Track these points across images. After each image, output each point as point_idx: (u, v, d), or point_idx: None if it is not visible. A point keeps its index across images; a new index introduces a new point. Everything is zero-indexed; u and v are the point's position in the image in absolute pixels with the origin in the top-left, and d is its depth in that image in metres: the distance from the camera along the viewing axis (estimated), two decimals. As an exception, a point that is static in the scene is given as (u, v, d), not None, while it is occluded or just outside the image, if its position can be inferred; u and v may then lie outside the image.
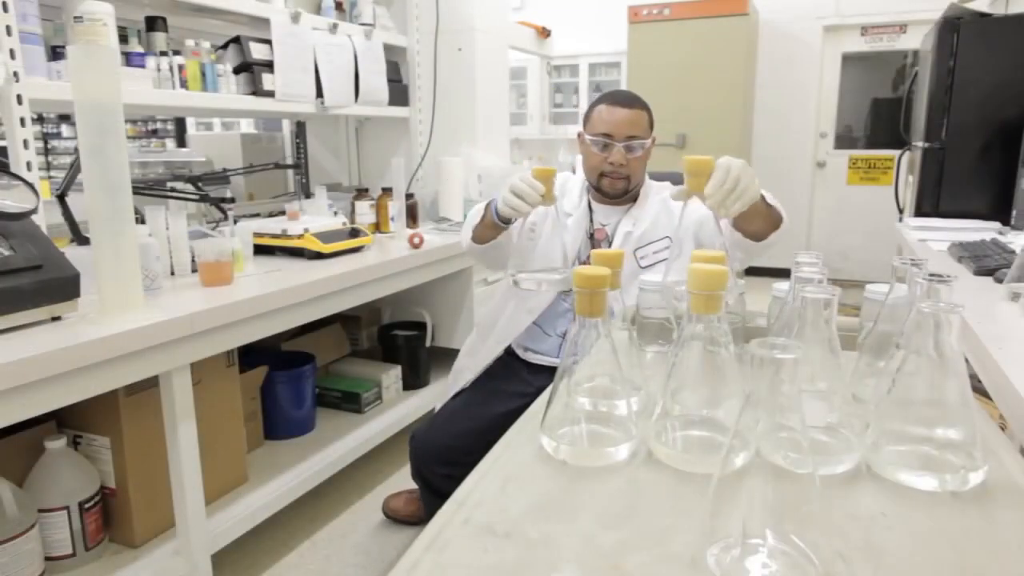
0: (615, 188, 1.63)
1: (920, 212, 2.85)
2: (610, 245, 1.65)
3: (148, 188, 2.03)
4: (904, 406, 0.69)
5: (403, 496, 2.13)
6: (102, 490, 1.57)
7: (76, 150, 1.37)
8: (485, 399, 1.70)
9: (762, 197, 1.33)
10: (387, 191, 2.46)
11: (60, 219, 1.68)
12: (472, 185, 2.88)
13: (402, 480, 2.34)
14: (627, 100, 1.62)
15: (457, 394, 1.79)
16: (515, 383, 1.71)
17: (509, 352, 1.78)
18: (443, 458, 1.65)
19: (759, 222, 1.39)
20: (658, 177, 1.81)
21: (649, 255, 1.62)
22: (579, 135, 1.67)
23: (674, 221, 1.61)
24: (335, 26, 2.44)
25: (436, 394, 2.65)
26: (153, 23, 1.95)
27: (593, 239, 1.68)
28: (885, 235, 5.03)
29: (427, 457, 1.69)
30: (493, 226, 1.55)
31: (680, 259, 1.51)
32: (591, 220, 1.70)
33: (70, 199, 1.69)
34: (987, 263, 1.60)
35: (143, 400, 1.56)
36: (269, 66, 2.18)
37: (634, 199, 1.70)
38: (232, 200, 1.99)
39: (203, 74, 2.01)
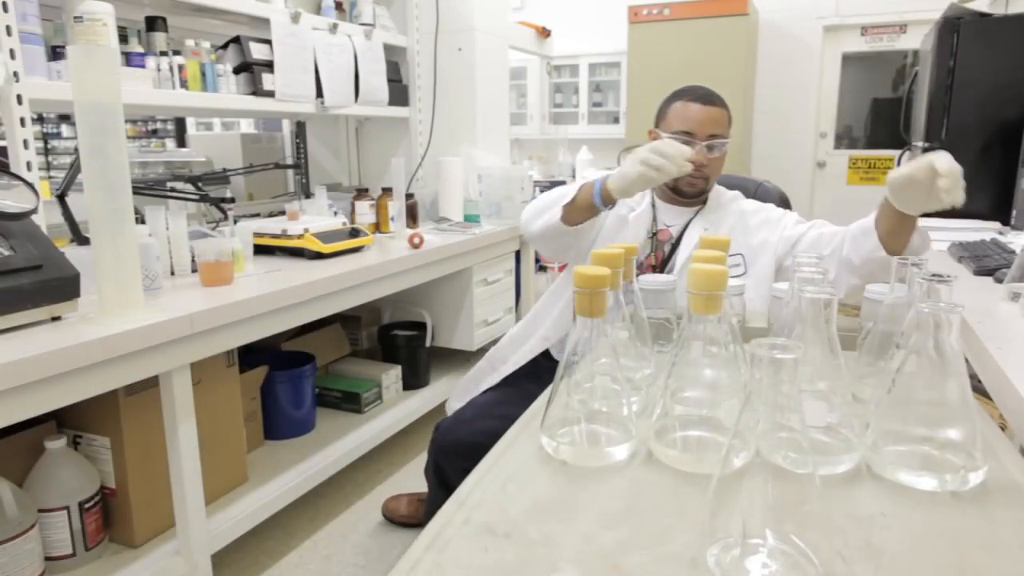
0: (694, 187, 1.56)
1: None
2: (675, 247, 1.59)
3: (148, 188, 2.04)
4: (904, 406, 0.69)
5: (403, 498, 2.12)
6: (102, 490, 1.57)
7: (76, 150, 1.37)
8: (514, 399, 1.61)
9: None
10: (387, 191, 2.46)
11: (60, 219, 1.68)
12: (472, 185, 2.88)
13: (402, 480, 2.35)
14: (707, 97, 1.54)
15: (487, 389, 1.72)
16: (546, 385, 1.66)
17: (544, 353, 1.70)
18: (465, 453, 1.56)
19: (904, 232, 1.36)
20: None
21: None
22: (650, 132, 1.59)
23: (749, 239, 1.55)
24: (335, 26, 2.44)
25: (436, 394, 2.66)
26: (153, 23, 1.95)
27: (656, 239, 1.61)
28: (885, 235, 5.03)
29: (449, 449, 1.63)
30: (589, 208, 1.44)
31: (748, 277, 1.49)
32: (654, 219, 1.62)
33: (70, 199, 1.69)
34: (987, 263, 1.59)
35: (143, 400, 1.56)
36: (269, 66, 2.18)
37: (704, 201, 1.62)
38: (232, 200, 1.99)
39: (203, 74, 2.01)
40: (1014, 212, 2.39)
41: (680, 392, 0.72)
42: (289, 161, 2.93)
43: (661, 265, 1.60)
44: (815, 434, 0.70)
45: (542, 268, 3.59)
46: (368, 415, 2.40)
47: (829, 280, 1.40)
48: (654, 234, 1.62)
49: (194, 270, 1.74)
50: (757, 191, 1.80)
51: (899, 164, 3.49)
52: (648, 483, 0.68)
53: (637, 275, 1.47)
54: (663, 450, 0.72)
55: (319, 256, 1.98)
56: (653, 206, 1.64)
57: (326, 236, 2.01)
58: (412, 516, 2.08)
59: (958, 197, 1.14)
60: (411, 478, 2.36)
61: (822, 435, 0.71)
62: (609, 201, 1.41)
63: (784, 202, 1.82)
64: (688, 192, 1.58)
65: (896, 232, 1.36)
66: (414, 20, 2.88)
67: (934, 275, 0.76)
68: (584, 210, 1.46)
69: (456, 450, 1.60)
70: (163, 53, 1.91)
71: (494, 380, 1.72)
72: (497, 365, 1.75)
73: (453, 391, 1.86)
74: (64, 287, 1.32)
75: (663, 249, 1.60)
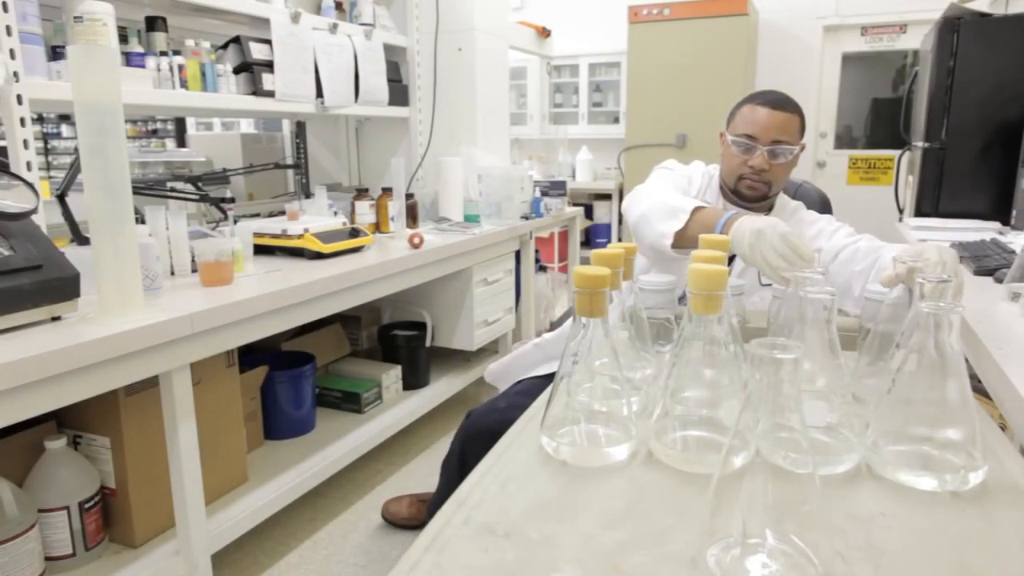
0: (755, 191, 1.53)
1: (920, 212, 2.85)
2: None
3: (148, 188, 2.04)
4: (904, 406, 0.69)
5: (404, 499, 2.12)
6: (102, 490, 1.57)
7: (76, 150, 1.37)
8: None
9: None
10: (387, 191, 2.46)
11: (60, 219, 1.68)
12: (472, 185, 2.88)
13: (402, 480, 2.35)
14: (776, 101, 1.51)
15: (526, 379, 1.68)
16: None
17: None
18: (491, 442, 1.57)
19: None
20: None
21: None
22: (721, 135, 1.59)
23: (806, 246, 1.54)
24: (335, 26, 2.44)
25: (436, 394, 2.66)
26: (153, 23, 1.95)
27: None
28: (885, 235, 5.02)
29: (477, 436, 1.61)
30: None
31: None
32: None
33: (70, 199, 1.69)
34: (987, 263, 1.59)
35: (143, 400, 1.56)
36: (269, 66, 2.18)
37: (770, 208, 1.61)
38: (232, 200, 1.99)
39: (203, 74, 2.01)
40: (1014, 212, 2.39)
41: (680, 392, 0.72)
42: (289, 161, 2.92)
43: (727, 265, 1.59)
44: (815, 434, 0.70)
45: (542, 268, 3.59)
46: (368, 415, 2.40)
47: (854, 295, 1.39)
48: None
49: (194, 270, 1.74)
50: (797, 192, 1.81)
51: (899, 164, 3.50)
52: (648, 483, 0.68)
53: None
54: (663, 450, 0.72)
55: (319, 256, 1.98)
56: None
57: (326, 236, 2.01)
58: (413, 518, 2.08)
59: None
60: (411, 478, 2.36)
61: (822, 435, 0.71)
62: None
63: (824, 203, 1.81)
64: (748, 195, 1.55)
65: None
66: (414, 20, 2.88)
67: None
68: (693, 240, 1.29)
69: (485, 437, 1.56)
70: (163, 53, 1.91)
71: (541, 371, 1.67)
72: (550, 355, 1.69)
73: (492, 364, 1.83)
74: (64, 287, 1.32)
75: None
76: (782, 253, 1.12)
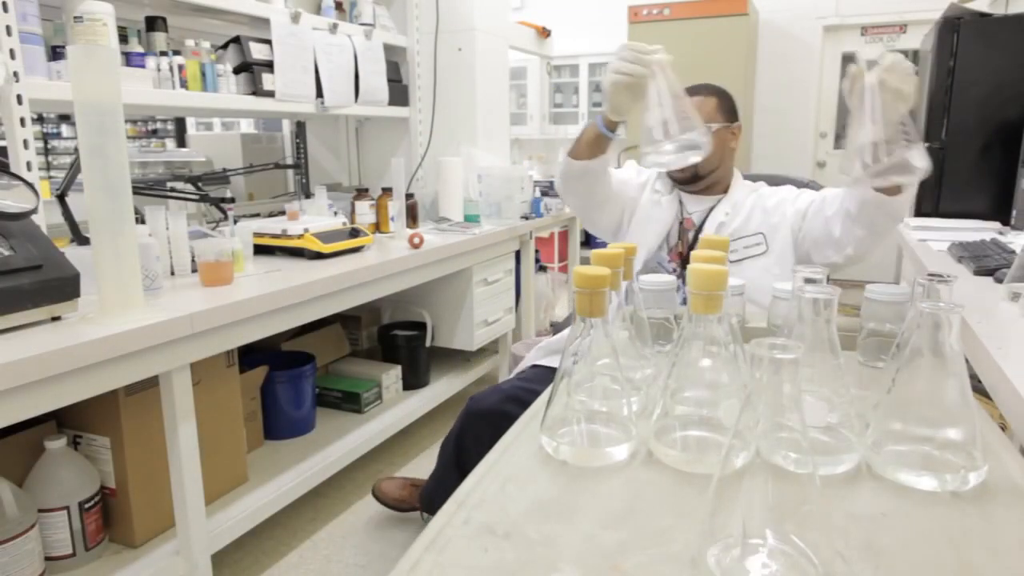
0: (682, 173, 1.63)
1: (920, 212, 2.85)
2: (697, 234, 1.64)
3: (148, 188, 2.04)
4: (904, 406, 0.69)
5: (397, 481, 2.13)
6: (102, 490, 1.57)
7: (76, 150, 1.37)
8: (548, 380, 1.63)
9: None
10: (387, 191, 2.46)
11: (60, 219, 1.68)
12: (472, 185, 2.89)
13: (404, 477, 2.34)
14: (694, 88, 1.60)
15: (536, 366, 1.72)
16: None
17: None
18: (492, 421, 1.59)
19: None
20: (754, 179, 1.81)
21: (740, 249, 1.60)
22: None
23: (768, 219, 1.61)
24: (335, 26, 2.44)
25: (436, 394, 2.66)
26: (153, 23, 1.95)
27: (682, 227, 1.68)
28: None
29: (476, 416, 1.65)
30: (596, 138, 1.50)
31: (769, 255, 1.56)
32: (680, 210, 1.69)
33: (70, 199, 1.69)
34: (987, 263, 1.59)
35: (143, 400, 1.56)
36: (269, 66, 2.18)
37: (725, 189, 1.68)
38: (232, 200, 1.99)
39: (203, 74, 2.01)
40: (1014, 212, 2.39)
41: (680, 392, 0.72)
42: (289, 161, 2.93)
43: (687, 252, 1.66)
44: (815, 434, 0.70)
45: (542, 268, 3.59)
46: (368, 415, 2.40)
47: (835, 237, 1.47)
48: (681, 223, 1.68)
49: (194, 270, 1.74)
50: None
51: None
52: (648, 483, 0.68)
53: (669, 261, 1.42)
54: (663, 450, 0.72)
55: (319, 256, 1.98)
56: (680, 200, 1.71)
57: (326, 236, 2.01)
58: (403, 500, 2.08)
59: (893, 81, 1.12)
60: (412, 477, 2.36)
61: (822, 435, 0.71)
62: (611, 125, 1.47)
63: None
64: (678, 178, 1.67)
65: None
66: (414, 20, 2.88)
67: (934, 275, 0.76)
68: (590, 143, 1.52)
69: (483, 418, 1.62)
70: (163, 53, 1.91)
71: (551, 361, 1.69)
72: (557, 348, 1.73)
73: (519, 344, 1.87)
74: (64, 287, 1.32)
75: (687, 237, 1.66)
76: (624, 58, 1.26)
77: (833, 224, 1.49)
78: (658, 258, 1.68)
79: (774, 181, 1.83)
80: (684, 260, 1.61)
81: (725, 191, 1.68)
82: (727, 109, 1.64)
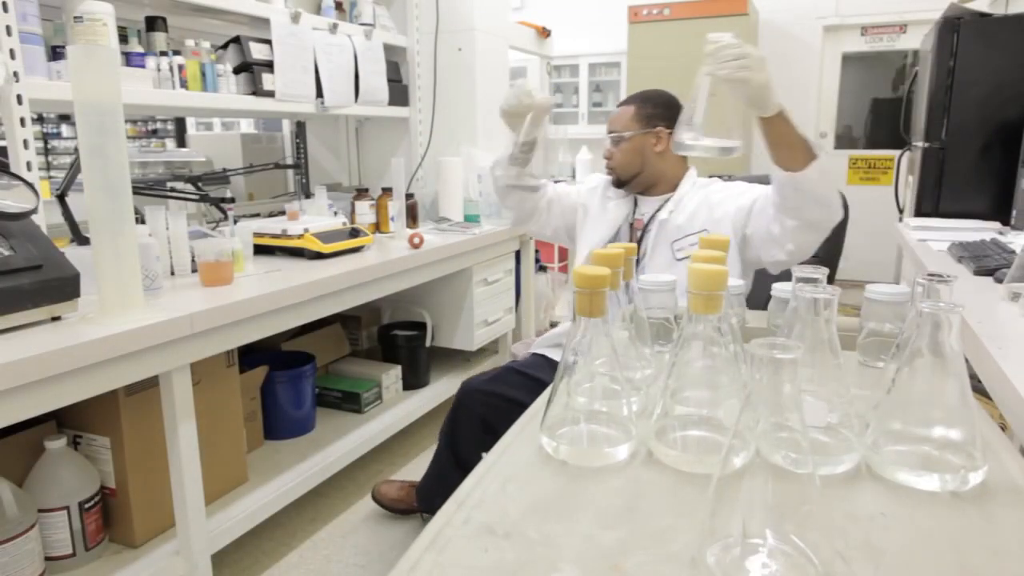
0: (610, 175, 1.77)
1: (920, 212, 2.85)
2: (643, 234, 1.70)
3: (148, 188, 2.03)
4: (904, 406, 0.68)
5: (395, 484, 2.14)
6: (102, 490, 1.57)
7: (76, 150, 1.37)
8: (546, 367, 1.72)
9: (789, 124, 1.32)
10: (387, 191, 2.46)
11: (60, 219, 1.68)
12: (472, 185, 2.88)
13: (403, 480, 2.34)
14: (624, 99, 1.77)
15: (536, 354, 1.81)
16: None
17: None
18: (484, 400, 1.71)
19: (782, 144, 1.35)
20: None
21: (686, 247, 1.62)
22: None
23: (712, 214, 1.63)
24: (335, 26, 2.43)
25: (436, 394, 2.66)
26: (153, 23, 1.95)
27: (632, 228, 1.76)
28: (885, 235, 5.02)
29: (469, 394, 1.75)
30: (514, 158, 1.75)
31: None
32: (634, 210, 1.77)
33: (70, 199, 1.69)
34: (987, 263, 1.59)
35: (143, 400, 1.56)
36: (269, 66, 2.18)
37: (672, 189, 1.73)
38: (232, 200, 1.99)
39: (203, 74, 2.01)
40: (1014, 212, 2.39)
41: (680, 392, 0.72)
42: (289, 161, 2.92)
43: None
44: (815, 434, 0.70)
45: (542, 268, 3.59)
46: (368, 415, 2.40)
47: (775, 234, 1.50)
48: (631, 224, 1.76)
49: (194, 270, 1.74)
50: None
51: (899, 164, 3.50)
52: (648, 483, 0.68)
53: None
54: (663, 450, 0.72)
55: (319, 256, 1.98)
56: (636, 202, 1.78)
57: (326, 236, 2.01)
58: (401, 501, 2.10)
59: (725, 70, 1.21)
60: (411, 478, 2.36)
61: (822, 435, 0.71)
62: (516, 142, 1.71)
63: (844, 206, 1.79)
64: (613, 182, 1.79)
65: (772, 145, 1.38)
66: (414, 20, 2.88)
67: (934, 275, 0.76)
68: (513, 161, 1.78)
69: (476, 396, 1.74)
70: (163, 53, 1.91)
71: (552, 353, 1.78)
72: (559, 340, 1.82)
73: (519, 344, 2.00)
74: (64, 287, 1.32)
75: (636, 237, 1.72)
76: (509, 95, 1.60)
77: (772, 221, 1.50)
78: None
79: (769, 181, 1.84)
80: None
81: (673, 190, 1.73)
82: (644, 116, 1.69)
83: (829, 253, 1.79)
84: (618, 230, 1.76)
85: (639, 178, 1.73)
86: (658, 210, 1.70)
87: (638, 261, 1.66)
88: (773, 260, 1.55)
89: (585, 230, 1.84)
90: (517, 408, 1.38)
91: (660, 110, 1.69)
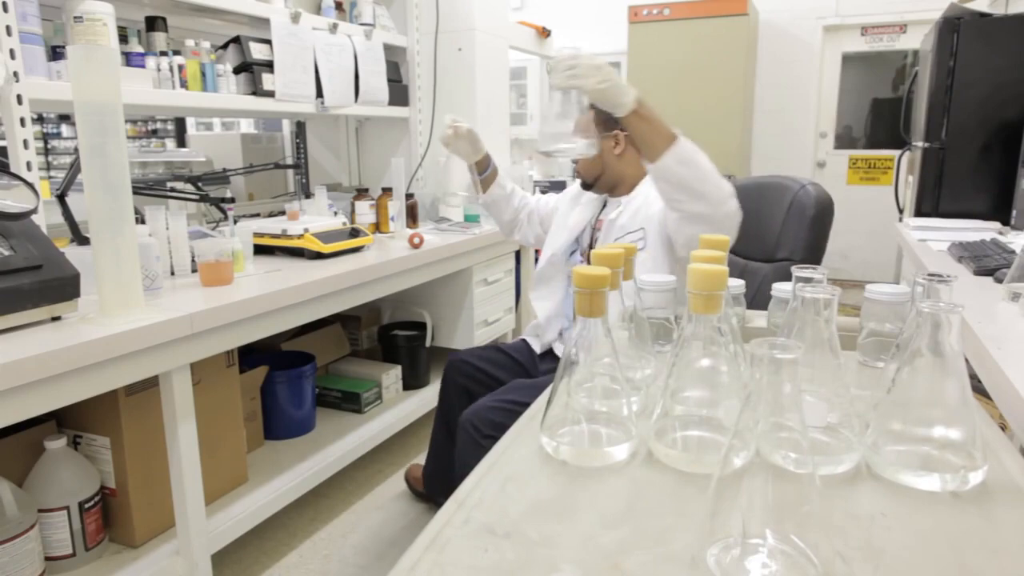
0: (580, 178, 1.85)
1: (920, 212, 2.85)
2: (598, 235, 1.79)
3: (148, 188, 2.03)
4: (904, 406, 0.68)
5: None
6: (102, 490, 1.57)
7: (76, 150, 1.37)
8: (524, 349, 1.93)
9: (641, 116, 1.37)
10: (387, 191, 2.46)
11: (60, 219, 1.68)
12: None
13: (402, 480, 2.34)
14: (589, 104, 1.74)
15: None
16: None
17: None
18: (470, 373, 1.90)
19: (644, 139, 1.39)
20: None
21: None
22: None
23: (648, 211, 1.67)
24: (335, 26, 2.44)
25: (436, 394, 2.65)
26: (153, 23, 1.95)
27: (594, 228, 1.82)
28: (885, 235, 5.03)
29: (459, 366, 1.91)
30: (473, 180, 2.00)
31: (647, 249, 1.64)
32: (601, 212, 1.84)
33: (70, 199, 1.69)
34: (987, 263, 1.59)
35: (143, 400, 1.57)
36: (269, 66, 2.18)
37: (628, 190, 1.77)
38: (232, 200, 1.99)
39: (203, 74, 2.01)
40: (1014, 212, 2.39)
41: (680, 392, 0.72)
42: (289, 161, 2.92)
43: (587, 252, 1.83)
44: (815, 434, 0.70)
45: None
46: (368, 415, 2.40)
47: (672, 232, 1.55)
48: (594, 226, 1.84)
49: (194, 270, 1.74)
50: (796, 195, 1.84)
51: (899, 164, 3.50)
52: (648, 483, 0.68)
53: (581, 261, 1.54)
54: (663, 450, 0.72)
55: (319, 256, 1.98)
56: (605, 203, 1.84)
57: (326, 236, 2.01)
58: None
59: (560, 78, 1.31)
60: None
61: (822, 435, 0.71)
62: (475, 167, 1.95)
63: (825, 208, 1.82)
64: (582, 185, 1.86)
65: (636, 141, 1.43)
66: (414, 20, 2.88)
67: (934, 275, 0.76)
68: (475, 182, 2.01)
69: (462, 367, 1.91)
70: (163, 53, 1.92)
71: (536, 344, 1.93)
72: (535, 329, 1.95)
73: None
74: (64, 287, 1.32)
75: (596, 237, 1.80)
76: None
77: (668, 217, 1.56)
78: (571, 260, 1.84)
79: (780, 185, 1.85)
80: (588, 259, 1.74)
81: (629, 190, 1.77)
82: (604, 121, 1.71)
83: (811, 250, 1.79)
84: (583, 232, 1.83)
85: (601, 180, 1.79)
86: (614, 210, 1.76)
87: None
88: (680, 257, 1.59)
89: (551, 234, 1.91)
90: (495, 383, 1.63)
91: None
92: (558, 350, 1.86)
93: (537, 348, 1.90)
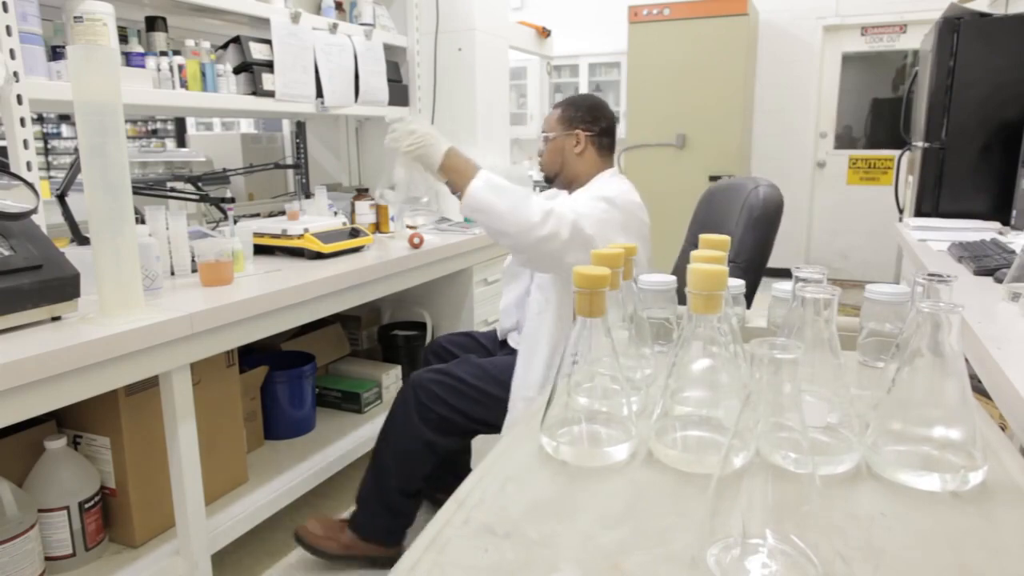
0: (542, 173, 1.91)
1: (920, 212, 2.85)
2: None
3: (148, 188, 2.04)
4: (904, 406, 0.69)
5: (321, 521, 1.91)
6: (102, 490, 1.57)
7: (76, 150, 1.37)
8: (490, 338, 2.05)
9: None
10: (387, 191, 2.46)
11: (60, 219, 1.68)
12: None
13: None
14: (556, 103, 1.88)
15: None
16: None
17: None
18: (439, 353, 2.00)
19: (457, 188, 1.57)
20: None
21: None
22: None
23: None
24: (335, 26, 2.44)
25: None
26: (153, 23, 1.95)
27: None
28: (885, 235, 5.03)
29: (434, 348, 2.00)
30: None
31: None
32: None
33: (70, 199, 1.69)
34: (987, 263, 1.59)
35: (143, 400, 1.57)
36: (269, 66, 2.18)
37: (577, 187, 1.82)
38: (232, 200, 1.99)
39: (203, 74, 2.01)
40: (1014, 212, 2.39)
41: (680, 392, 0.72)
42: (289, 161, 2.92)
43: None
44: (815, 434, 0.70)
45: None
46: (368, 415, 2.40)
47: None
48: None
49: (194, 270, 1.74)
50: (749, 195, 1.84)
51: (899, 164, 3.50)
52: (648, 483, 0.68)
53: None
54: (663, 450, 0.72)
55: (319, 256, 1.98)
56: None
57: (326, 236, 2.01)
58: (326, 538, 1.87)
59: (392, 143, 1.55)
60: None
61: (822, 435, 0.71)
62: (451, 187, 1.73)
63: (771, 209, 1.81)
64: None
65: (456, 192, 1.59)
66: (414, 20, 2.88)
67: (934, 275, 0.76)
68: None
69: (437, 350, 2.03)
70: (163, 53, 1.91)
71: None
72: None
73: None
74: (64, 287, 1.32)
75: None
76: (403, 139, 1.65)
77: None
78: None
79: (775, 180, 1.85)
80: None
81: (578, 187, 1.83)
82: (567, 119, 1.79)
83: (756, 251, 1.79)
84: None
85: (560, 176, 1.85)
86: None
87: None
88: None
89: None
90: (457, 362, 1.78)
91: (581, 113, 1.79)
92: (513, 341, 1.92)
93: (499, 336, 2.00)
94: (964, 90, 2.71)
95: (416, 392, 1.73)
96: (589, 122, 1.77)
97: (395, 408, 1.78)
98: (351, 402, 2.42)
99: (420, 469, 1.77)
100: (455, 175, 1.54)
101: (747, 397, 0.53)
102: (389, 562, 1.85)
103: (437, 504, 2.21)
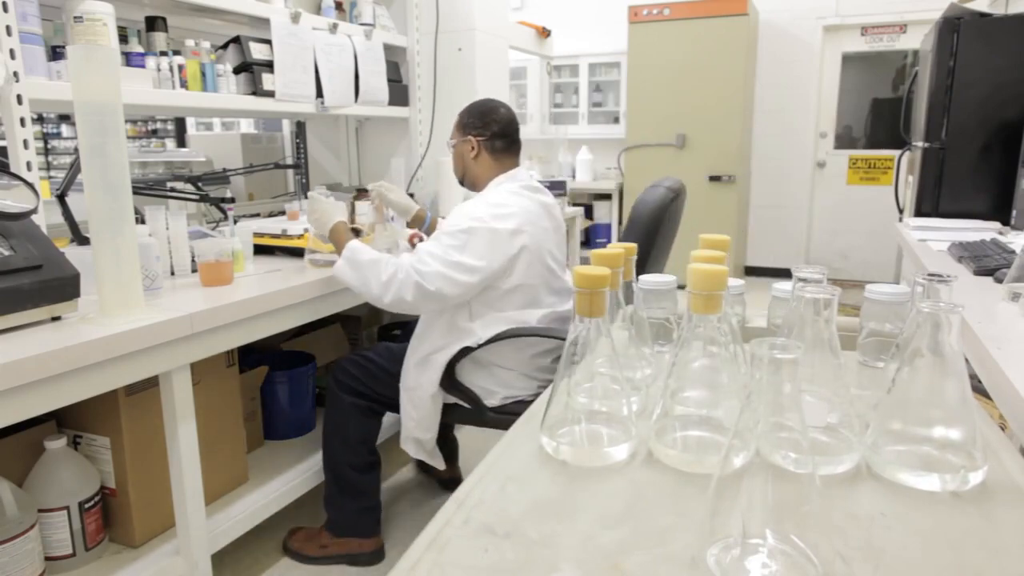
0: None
1: (920, 212, 2.85)
2: None
3: (148, 188, 2.04)
4: (904, 406, 0.69)
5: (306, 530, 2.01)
6: (102, 490, 1.57)
7: (76, 150, 1.37)
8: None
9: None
10: (387, 191, 2.46)
11: (60, 219, 1.68)
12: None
13: (402, 480, 2.34)
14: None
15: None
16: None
17: None
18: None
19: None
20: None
21: None
22: None
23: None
24: (335, 26, 2.44)
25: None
26: (153, 23, 1.95)
27: None
28: (885, 235, 5.03)
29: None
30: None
31: None
32: None
33: (70, 199, 1.69)
34: (987, 263, 1.59)
35: (143, 400, 1.56)
36: (269, 66, 2.18)
37: (477, 190, 1.89)
38: (232, 200, 1.99)
39: (203, 74, 2.01)
40: (1014, 212, 2.39)
41: (680, 392, 0.72)
42: (289, 161, 2.93)
43: None
44: (815, 434, 0.70)
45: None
46: (368, 415, 2.40)
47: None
48: None
49: (194, 270, 1.74)
50: (641, 198, 2.00)
51: (899, 164, 3.50)
52: (648, 483, 0.68)
53: None
54: (663, 450, 0.72)
55: (319, 256, 1.97)
56: None
57: (326, 236, 2.00)
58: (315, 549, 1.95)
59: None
60: (411, 478, 2.36)
61: (822, 435, 0.71)
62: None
63: (653, 210, 1.95)
64: None
65: None
66: (414, 20, 2.88)
67: (934, 275, 0.76)
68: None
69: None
70: (163, 53, 1.92)
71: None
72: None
73: None
74: (64, 287, 1.32)
75: None
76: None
77: None
78: None
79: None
80: None
81: (477, 190, 1.89)
82: (462, 125, 1.85)
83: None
84: None
85: (464, 180, 1.92)
86: None
87: None
88: None
89: None
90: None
91: (473, 119, 1.83)
92: None
93: None
94: (964, 90, 2.71)
95: (336, 373, 1.90)
96: (480, 127, 1.82)
97: (327, 397, 1.92)
98: (351, 402, 2.41)
99: (360, 436, 1.90)
100: (336, 247, 1.74)
101: (747, 397, 0.53)
102: (370, 558, 1.90)
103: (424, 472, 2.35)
